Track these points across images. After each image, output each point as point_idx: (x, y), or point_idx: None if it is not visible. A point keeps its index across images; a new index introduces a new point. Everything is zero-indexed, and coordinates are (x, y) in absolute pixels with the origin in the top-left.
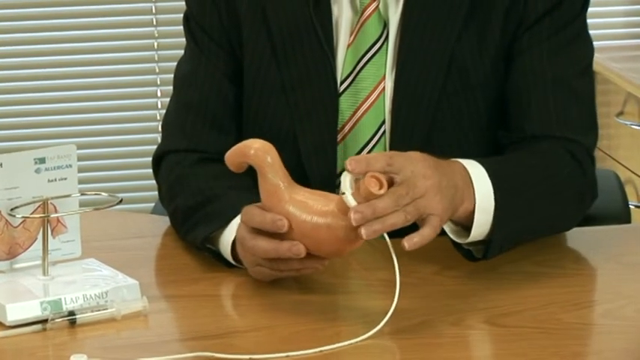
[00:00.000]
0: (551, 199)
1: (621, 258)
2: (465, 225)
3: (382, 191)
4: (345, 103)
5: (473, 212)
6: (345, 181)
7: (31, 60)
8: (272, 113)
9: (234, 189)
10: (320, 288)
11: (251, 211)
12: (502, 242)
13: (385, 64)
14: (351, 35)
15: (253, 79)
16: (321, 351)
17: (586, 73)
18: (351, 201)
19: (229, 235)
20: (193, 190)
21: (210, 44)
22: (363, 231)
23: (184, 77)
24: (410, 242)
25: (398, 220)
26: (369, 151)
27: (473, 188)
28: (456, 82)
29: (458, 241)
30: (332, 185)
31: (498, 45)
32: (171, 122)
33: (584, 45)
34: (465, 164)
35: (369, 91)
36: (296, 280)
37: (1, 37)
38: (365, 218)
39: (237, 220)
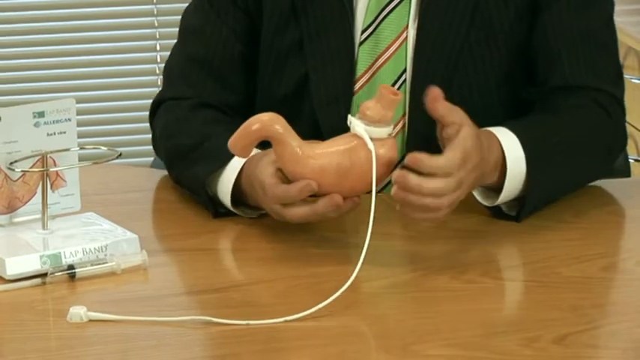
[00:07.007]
0: (581, 153)
1: (621, 211)
2: (494, 188)
3: (398, 97)
4: (364, 52)
5: (503, 181)
6: (358, 128)
7: (31, 14)
8: (289, 68)
9: (230, 132)
10: (320, 240)
11: (276, 191)
12: (536, 201)
13: (409, 13)
14: None
15: (272, 35)
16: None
17: (610, 25)
18: (370, 145)
19: (231, 173)
20: (191, 131)
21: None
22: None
23: (192, 29)
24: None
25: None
26: None
27: (504, 158)
28: (479, 31)
29: (486, 203)
30: None
31: None
32: (174, 71)
33: None
34: (499, 137)
35: (391, 41)
36: (296, 233)
37: None
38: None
39: (237, 160)
